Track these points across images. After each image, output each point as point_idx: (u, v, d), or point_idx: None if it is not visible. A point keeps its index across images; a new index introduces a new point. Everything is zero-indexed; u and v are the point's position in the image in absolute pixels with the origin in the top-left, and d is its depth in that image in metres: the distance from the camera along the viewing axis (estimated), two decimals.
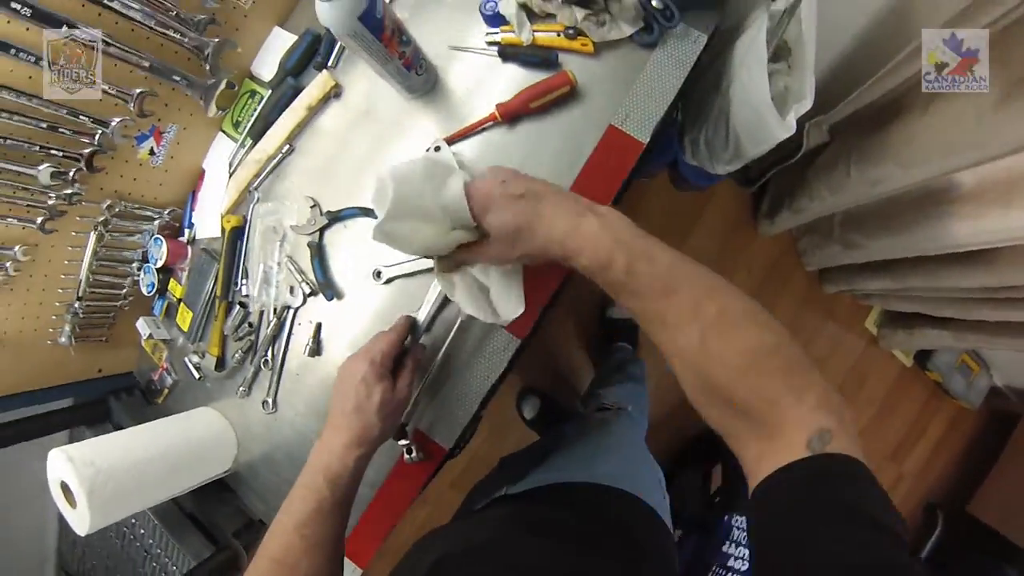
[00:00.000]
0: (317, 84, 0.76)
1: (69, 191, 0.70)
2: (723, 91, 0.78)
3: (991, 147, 0.74)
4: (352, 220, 0.75)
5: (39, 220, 0.70)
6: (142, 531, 0.82)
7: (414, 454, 0.69)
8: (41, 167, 0.66)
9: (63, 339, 0.81)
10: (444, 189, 0.45)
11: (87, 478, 0.64)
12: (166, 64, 0.70)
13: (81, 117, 0.67)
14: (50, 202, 0.70)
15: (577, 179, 0.65)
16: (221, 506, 0.83)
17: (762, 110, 0.66)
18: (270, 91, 0.80)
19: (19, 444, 0.78)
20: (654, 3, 0.59)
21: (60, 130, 0.66)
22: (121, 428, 0.88)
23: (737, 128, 0.77)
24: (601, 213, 0.41)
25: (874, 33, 0.96)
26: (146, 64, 0.68)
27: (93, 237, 0.78)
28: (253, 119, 0.80)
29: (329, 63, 0.77)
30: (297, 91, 0.78)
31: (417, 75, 0.67)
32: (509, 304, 0.54)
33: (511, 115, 0.66)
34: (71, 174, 0.69)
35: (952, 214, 0.97)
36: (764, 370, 0.34)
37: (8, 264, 0.70)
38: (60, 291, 0.79)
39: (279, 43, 0.81)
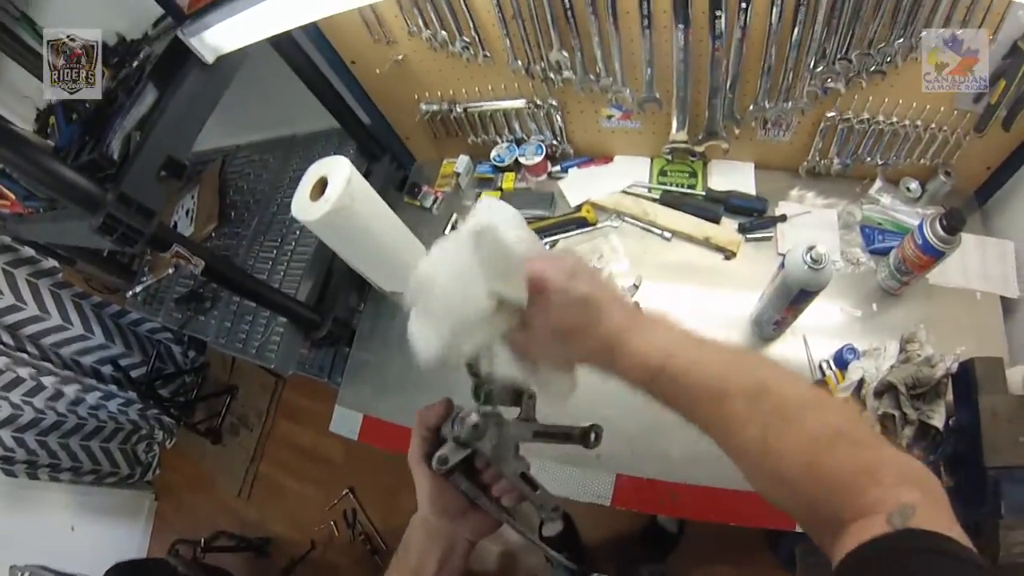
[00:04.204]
0: (727, 235, 0.88)
1: None
2: None
3: None
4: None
5: None
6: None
7: None
8: None
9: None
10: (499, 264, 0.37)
11: (348, 194, 0.75)
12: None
13: None
14: None
15: None
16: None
17: None
18: (704, 194, 0.93)
19: None
20: None
21: None
22: (368, 175, 1.07)
23: None
24: (652, 322, 0.40)
25: None
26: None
27: None
28: (676, 189, 0.94)
29: (750, 234, 0.89)
30: (718, 216, 0.90)
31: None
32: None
33: None
34: None
35: None
36: (832, 457, 0.33)
37: None
38: None
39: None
